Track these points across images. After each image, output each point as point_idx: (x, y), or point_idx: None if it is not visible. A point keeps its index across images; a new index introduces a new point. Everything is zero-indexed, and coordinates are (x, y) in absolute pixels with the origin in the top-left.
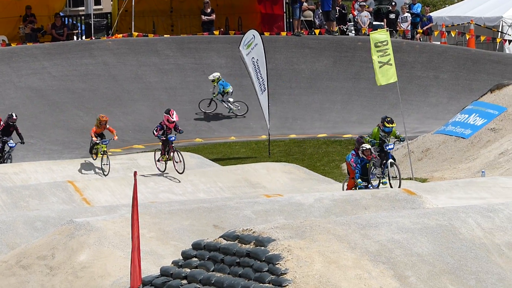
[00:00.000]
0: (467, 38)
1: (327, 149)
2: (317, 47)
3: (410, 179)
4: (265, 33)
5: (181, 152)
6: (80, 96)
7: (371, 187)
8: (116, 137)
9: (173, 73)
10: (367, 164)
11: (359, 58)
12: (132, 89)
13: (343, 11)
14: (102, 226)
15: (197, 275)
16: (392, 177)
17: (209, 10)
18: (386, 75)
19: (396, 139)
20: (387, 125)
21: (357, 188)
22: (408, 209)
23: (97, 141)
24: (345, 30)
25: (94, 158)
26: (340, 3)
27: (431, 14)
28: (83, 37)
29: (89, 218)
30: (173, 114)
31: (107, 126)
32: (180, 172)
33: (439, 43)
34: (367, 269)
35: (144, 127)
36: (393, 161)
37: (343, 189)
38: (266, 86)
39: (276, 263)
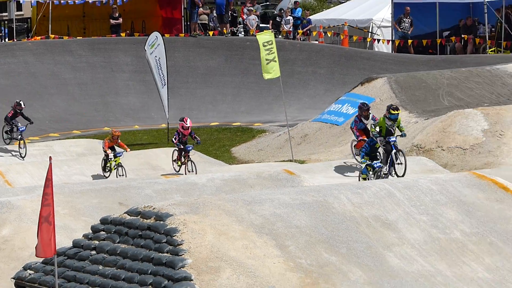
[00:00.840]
0: (341, 38)
1: (219, 136)
2: (211, 46)
3: (290, 161)
4: (165, 34)
5: (195, 163)
6: (4, 91)
7: (376, 166)
8: (129, 150)
9: (85, 70)
10: (376, 144)
11: (248, 56)
12: (49, 84)
13: (234, 14)
14: (22, 205)
15: (105, 246)
16: (398, 163)
17: (117, 15)
18: (272, 70)
19: (399, 133)
20: (393, 112)
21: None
22: (289, 187)
23: (110, 154)
24: (236, 31)
25: (107, 175)
26: (232, 7)
27: (310, 17)
28: (6, 39)
29: (10, 197)
30: (186, 121)
31: (119, 141)
32: None
33: (317, 42)
34: (253, 239)
35: (59, 118)
36: (400, 149)
37: (351, 149)
38: (166, 81)
39: (173, 235)
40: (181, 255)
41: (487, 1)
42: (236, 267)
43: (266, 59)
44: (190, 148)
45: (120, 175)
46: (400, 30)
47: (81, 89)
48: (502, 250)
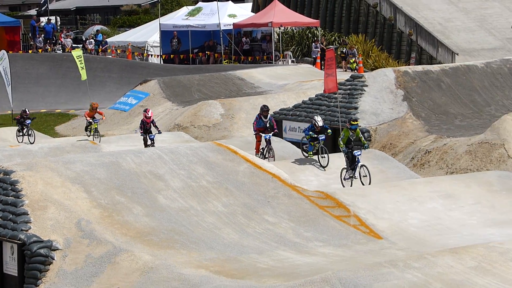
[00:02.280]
0: (127, 54)
1: (46, 119)
2: (40, 59)
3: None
4: (10, 51)
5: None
6: None
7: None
8: (104, 117)
9: None
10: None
11: (65, 66)
12: None
13: (55, 38)
14: None
15: None
16: (363, 176)
17: None
18: (83, 75)
19: (361, 146)
20: (353, 122)
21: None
22: (93, 152)
23: (90, 120)
24: (56, 49)
25: (89, 135)
26: (55, 33)
27: (107, 39)
28: None
29: None
30: (148, 112)
31: (97, 110)
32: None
33: (111, 56)
34: (69, 187)
35: None
36: (362, 164)
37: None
38: (10, 83)
39: (16, 184)
40: (21, 198)
41: (222, 30)
42: (58, 206)
43: (80, 67)
44: (152, 136)
45: (96, 138)
46: (172, 48)
47: None
48: (233, 193)
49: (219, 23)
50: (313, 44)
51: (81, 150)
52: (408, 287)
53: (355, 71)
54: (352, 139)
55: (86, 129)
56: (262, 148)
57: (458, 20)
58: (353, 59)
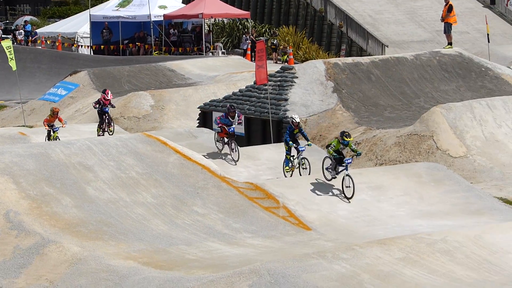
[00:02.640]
0: (57, 45)
1: None
2: None
3: (23, 126)
4: None
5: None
6: None
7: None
8: (65, 126)
9: None
10: (294, 131)
11: None
12: None
13: None
14: None
15: None
16: (346, 187)
17: None
18: (13, 65)
19: (353, 153)
20: (346, 138)
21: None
22: (22, 143)
23: (49, 129)
24: None
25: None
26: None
27: (36, 30)
28: None
29: None
30: (108, 93)
31: (58, 116)
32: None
33: (40, 47)
34: None
35: None
36: (348, 173)
37: (214, 138)
38: None
39: None
40: None
41: (153, 21)
42: None
43: (10, 58)
44: (107, 109)
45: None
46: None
47: None
48: (163, 184)
49: (150, 14)
50: (244, 35)
51: (10, 141)
52: (336, 278)
53: (286, 63)
54: (341, 150)
55: (47, 139)
56: (226, 142)
57: (388, 13)
58: (285, 56)
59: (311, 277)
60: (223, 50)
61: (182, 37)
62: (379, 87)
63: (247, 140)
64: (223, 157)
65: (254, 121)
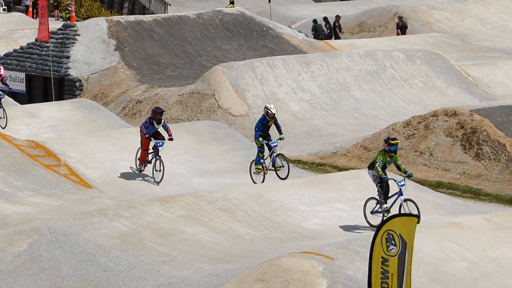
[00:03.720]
0: None
1: None
2: None
3: None
4: None
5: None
6: None
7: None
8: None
9: None
10: (268, 123)
11: None
12: None
13: None
14: None
15: None
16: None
17: None
18: None
19: (404, 174)
20: (392, 142)
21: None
22: None
23: None
24: None
25: None
26: None
27: None
28: None
29: None
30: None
31: None
32: None
33: None
34: None
35: None
36: (407, 198)
37: (135, 160)
38: None
39: None
40: None
41: None
42: None
43: None
44: (2, 96)
45: None
46: None
47: None
48: None
49: None
50: None
51: None
52: (117, 236)
53: (68, 20)
54: (388, 165)
55: None
56: (148, 161)
57: None
58: (67, 13)
59: (92, 235)
60: (4, 7)
61: None
62: (161, 45)
63: (28, 97)
64: None
65: (36, 79)
